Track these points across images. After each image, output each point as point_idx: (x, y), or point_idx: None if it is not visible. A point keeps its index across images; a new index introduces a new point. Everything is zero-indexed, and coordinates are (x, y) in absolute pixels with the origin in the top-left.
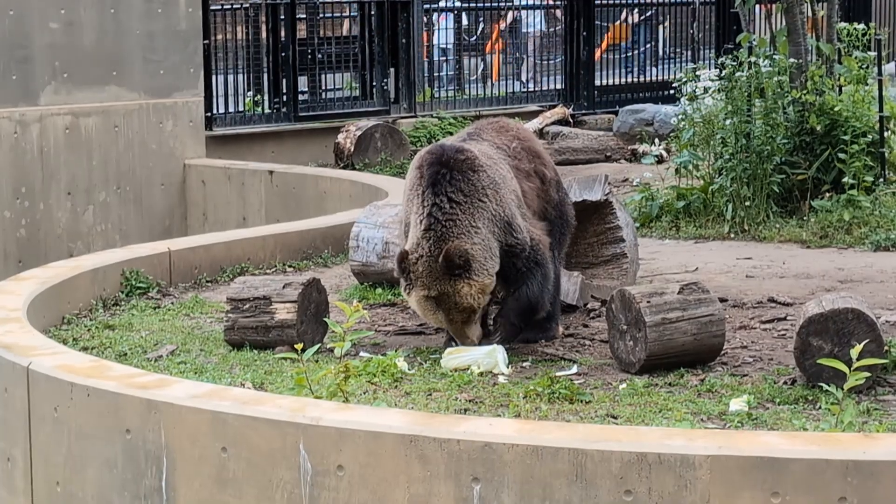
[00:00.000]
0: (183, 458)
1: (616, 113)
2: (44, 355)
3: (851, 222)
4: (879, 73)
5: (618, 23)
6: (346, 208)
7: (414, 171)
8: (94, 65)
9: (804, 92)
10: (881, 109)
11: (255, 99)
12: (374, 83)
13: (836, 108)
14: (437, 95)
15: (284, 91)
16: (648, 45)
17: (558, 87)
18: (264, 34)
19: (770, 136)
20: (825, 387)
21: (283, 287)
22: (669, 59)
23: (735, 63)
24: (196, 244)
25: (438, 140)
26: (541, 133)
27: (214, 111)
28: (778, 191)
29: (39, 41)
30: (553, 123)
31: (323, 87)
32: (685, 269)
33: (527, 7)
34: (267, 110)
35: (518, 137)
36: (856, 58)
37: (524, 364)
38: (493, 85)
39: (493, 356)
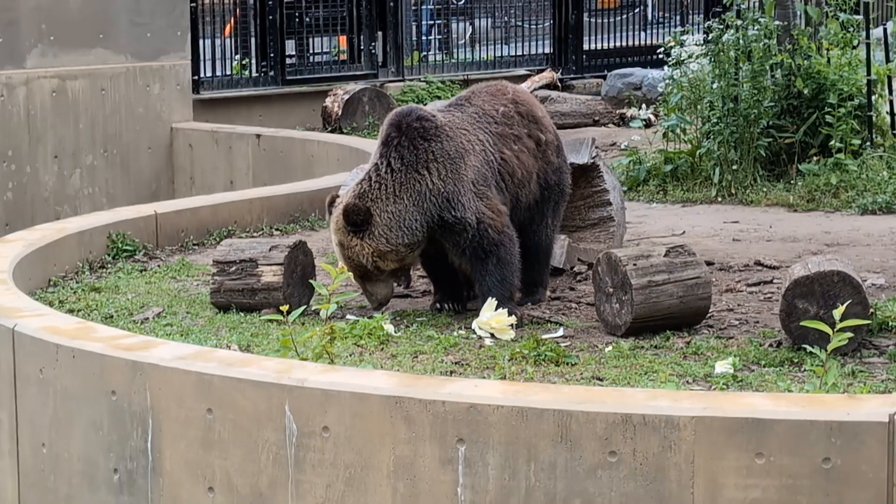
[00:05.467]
0: (168, 419)
1: (604, 77)
2: (29, 317)
3: (838, 186)
4: (867, 37)
5: None
6: (333, 172)
7: (383, 125)
8: (80, 28)
9: (791, 55)
10: (869, 73)
11: (243, 62)
12: (362, 47)
13: (823, 72)
14: (424, 59)
15: (272, 54)
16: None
17: (546, 51)
18: None
19: (757, 99)
20: (810, 349)
21: (270, 250)
22: (658, 24)
23: (722, 26)
24: (183, 207)
25: (426, 104)
26: None
27: (202, 74)
28: (765, 154)
29: (25, 4)
30: (541, 88)
31: (311, 51)
32: (672, 233)
33: None
34: (254, 74)
35: (514, 101)
36: (843, 21)
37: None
38: (481, 49)
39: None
